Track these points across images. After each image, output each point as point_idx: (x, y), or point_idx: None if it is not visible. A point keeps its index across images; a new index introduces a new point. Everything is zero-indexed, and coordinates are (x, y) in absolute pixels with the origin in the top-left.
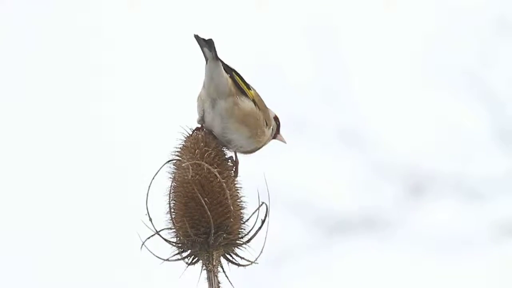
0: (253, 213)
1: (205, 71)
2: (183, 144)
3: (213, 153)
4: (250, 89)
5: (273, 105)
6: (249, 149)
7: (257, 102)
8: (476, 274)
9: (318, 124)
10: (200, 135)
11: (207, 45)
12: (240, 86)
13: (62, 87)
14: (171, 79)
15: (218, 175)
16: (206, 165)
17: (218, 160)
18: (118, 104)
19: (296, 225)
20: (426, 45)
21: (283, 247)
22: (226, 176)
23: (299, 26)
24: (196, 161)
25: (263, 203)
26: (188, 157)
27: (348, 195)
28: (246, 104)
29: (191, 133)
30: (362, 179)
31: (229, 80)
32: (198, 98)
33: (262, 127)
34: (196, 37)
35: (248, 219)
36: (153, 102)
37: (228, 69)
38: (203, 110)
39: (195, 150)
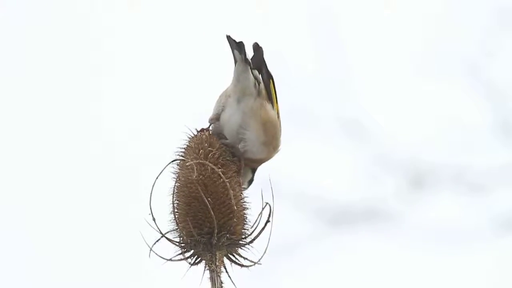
0: (258, 217)
1: (234, 72)
2: (187, 145)
3: (217, 153)
4: (277, 103)
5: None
6: (257, 157)
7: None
8: (477, 267)
9: (320, 115)
10: (204, 136)
11: (237, 47)
12: (270, 95)
13: (63, 87)
14: (175, 79)
15: (222, 175)
16: (210, 165)
17: (222, 160)
18: (121, 104)
19: (297, 216)
20: (428, 37)
21: (284, 238)
22: (230, 177)
23: (301, 16)
24: (200, 161)
25: (267, 203)
26: (192, 157)
27: (349, 186)
28: (272, 111)
29: (195, 133)
30: (364, 171)
31: (257, 85)
32: (222, 94)
33: (278, 141)
34: (228, 38)
35: (254, 223)
36: (156, 102)
37: (268, 75)
38: (223, 106)
39: (199, 151)
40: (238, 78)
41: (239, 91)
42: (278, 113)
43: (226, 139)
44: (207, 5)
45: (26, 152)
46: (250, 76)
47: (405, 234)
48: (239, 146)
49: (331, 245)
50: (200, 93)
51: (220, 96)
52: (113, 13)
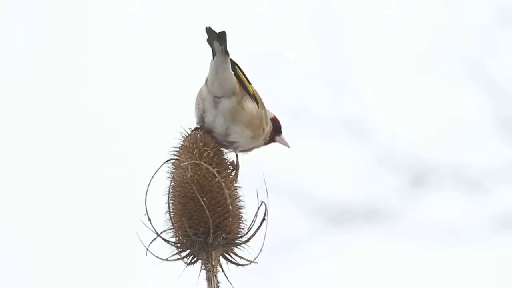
0: (254, 218)
1: (211, 66)
2: (181, 144)
3: (211, 152)
4: (250, 83)
5: (276, 95)
6: (247, 148)
7: (258, 99)
8: (477, 266)
9: (321, 113)
10: (198, 135)
11: (218, 38)
12: (243, 83)
13: (61, 87)
14: (170, 79)
15: (217, 175)
16: (205, 164)
17: (216, 159)
18: (117, 104)
19: (297, 214)
20: (430, 35)
21: (283, 237)
22: (225, 176)
23: (302, 15)
24: (195, 161)
25: (262, 202)
26: (186, 156)
27: (349, 185)
28: (250, 105)
29: (189, 132)
30: (364, 170)
31: (235, 78)
32: (197, 97)
33: (264, 126)
34: (208, 29)
35: (250, 222)
36: (152, 102)
37: (232, 63)
38: (203, 110)
39: (194, 150)
40: (217, 71)
41: (217, 86)
42: (256, 97)
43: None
44: (206, 5)
45: (23, 151)
46: (230, 69)
47: (405, 233)
48: (231, 149)
49: (331, 244)
50: (196, 93)
51: (196, 99)
52: (111, 12)
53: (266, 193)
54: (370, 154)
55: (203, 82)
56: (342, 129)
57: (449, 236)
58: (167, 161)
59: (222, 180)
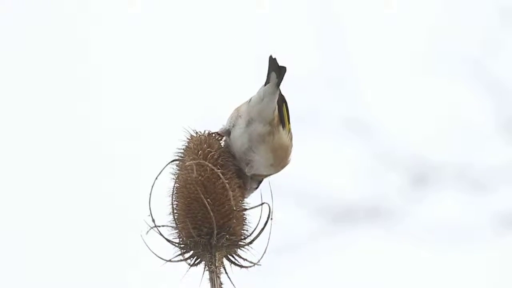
0: (258, 220)
1: (259, 91)
2: (186, 145)
3: (216, 154)
4: (290, 123)
5: None
6: (264, 174)
7: (290, 137)
8: (479, 265)
9: (323, 113)
10: (203, 137)
11: (278, 70)
12: (283, 117)
13: (62, 87)
14: (175, 80)
15: (221, 176)
16: (210, 165)
17: (221, 161)
18: (120, 104)
19: (300, 214)
20: (431, 34)
21: (286, 237)
22: (229, 177)
23: (302, 15)
24: (200, 162)
25: (263, 203)
26: (191, 158)
27: (352, 184)
28: (282, 136)
29: (195, 134)
30: (366, 169)
31: (276, 111)
32: (236, 109)
33: (288, 159)
34: (272, 59)
35: (252, 223)
36: (155, 103)
37: (281, 99)
38: (234, 125)
39: (198, 151)
40: (263, 98)
41: (256, 111)
42: (290, 133)
43: (235, 157)
44: (207, 5)
45: (24, 152)
46: (275, 101)
47: (407, 232)
48: (246, 169)
49: (334, 244)
50: (199, 94)
51: (234, 110)
52: (113, 12)
53: (271, 196)
54: (372, 153)
55: (247, 99)
56: (344, 129)
57: (451, 235)
58: (170, 162)
59: (227, 181)
